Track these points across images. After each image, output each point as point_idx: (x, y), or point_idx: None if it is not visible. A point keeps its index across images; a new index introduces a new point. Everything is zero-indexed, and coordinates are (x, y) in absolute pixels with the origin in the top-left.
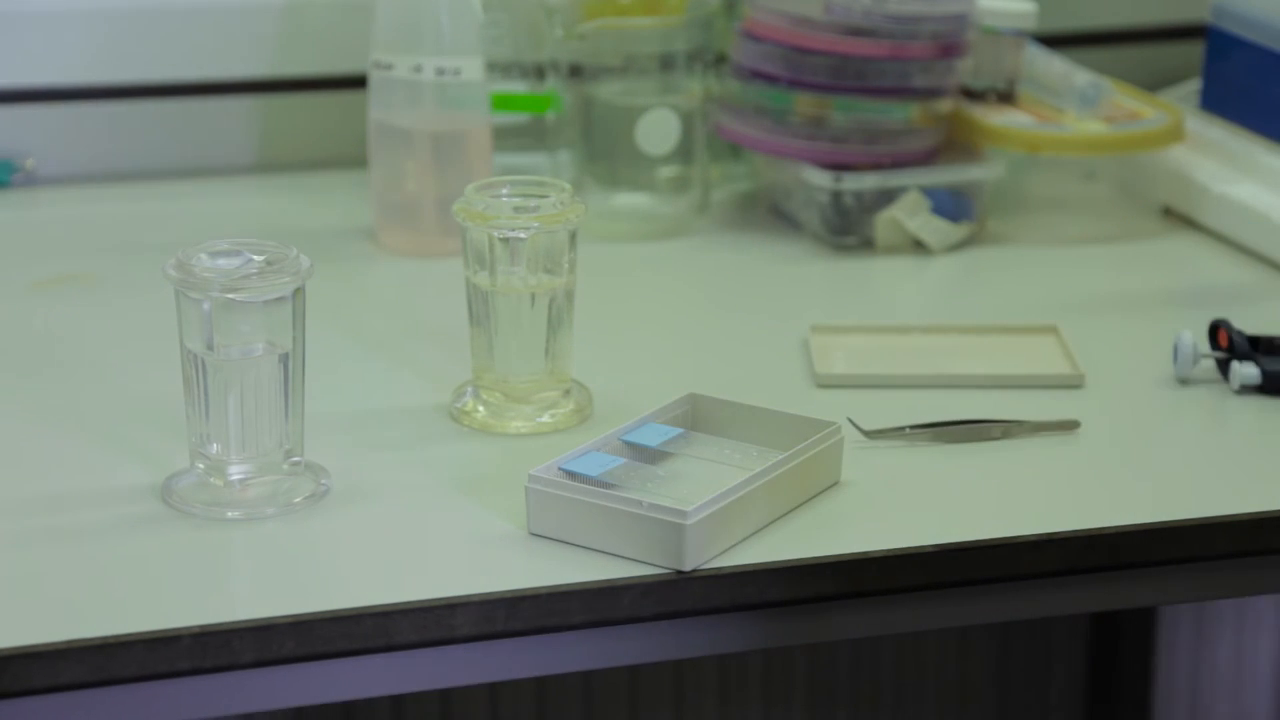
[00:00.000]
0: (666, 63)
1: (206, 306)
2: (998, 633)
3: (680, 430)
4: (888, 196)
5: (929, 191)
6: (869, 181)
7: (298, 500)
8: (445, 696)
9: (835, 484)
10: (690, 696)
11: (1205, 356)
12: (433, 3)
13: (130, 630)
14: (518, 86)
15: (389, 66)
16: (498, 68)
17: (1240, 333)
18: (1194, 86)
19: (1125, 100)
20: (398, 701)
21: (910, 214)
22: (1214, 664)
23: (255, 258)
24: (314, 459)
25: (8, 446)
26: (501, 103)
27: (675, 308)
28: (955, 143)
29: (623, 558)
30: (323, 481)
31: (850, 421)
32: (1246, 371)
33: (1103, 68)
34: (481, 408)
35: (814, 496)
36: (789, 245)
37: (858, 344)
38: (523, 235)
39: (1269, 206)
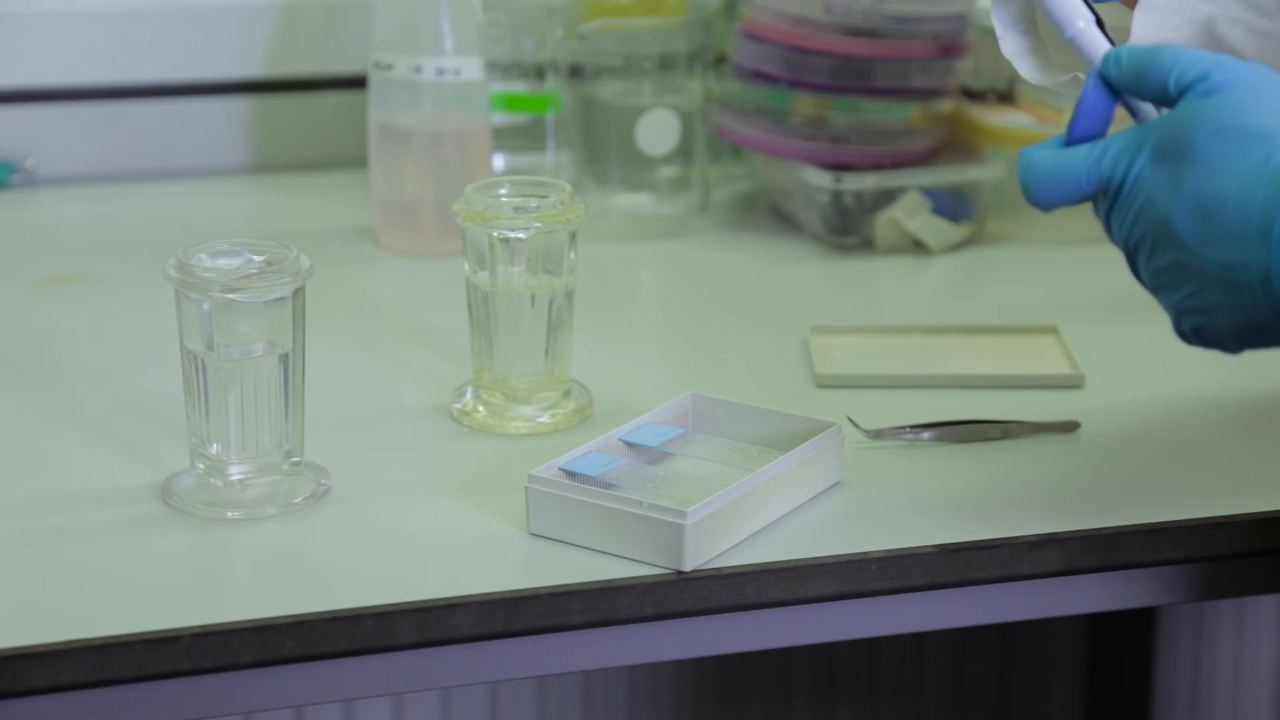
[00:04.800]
0: (666, 63)
1: (206, 306)
2: (998, 633)
3: (680, 430)
4: (888, 196)
5: (929, 191)
6: (869, 181)
7: (298, 500)
8: (445, 696)
9: (835, 484)
10: (690, 697)
11: None
12: (433, 3)
13: (130, 630)
14: (518, 86)
15: (389, 66)
16: (498, 68)
17: None
18: None
19: None
20: (398, 701)
21: (910, 214)
22: (1214, 664)
23: (255, 258)
24: (314, 459)
25: (8, 446)
26: (501, 103)
27: (675, 308)
28: (955, 143)
29: (623, 558)
30: (323, 481)
31: (850, 421)
32: None
33: None
34: (481, 408)
35: (814, 496)
36: (789, 245)
37: (858, 344)
38: (523, 235)
39: None
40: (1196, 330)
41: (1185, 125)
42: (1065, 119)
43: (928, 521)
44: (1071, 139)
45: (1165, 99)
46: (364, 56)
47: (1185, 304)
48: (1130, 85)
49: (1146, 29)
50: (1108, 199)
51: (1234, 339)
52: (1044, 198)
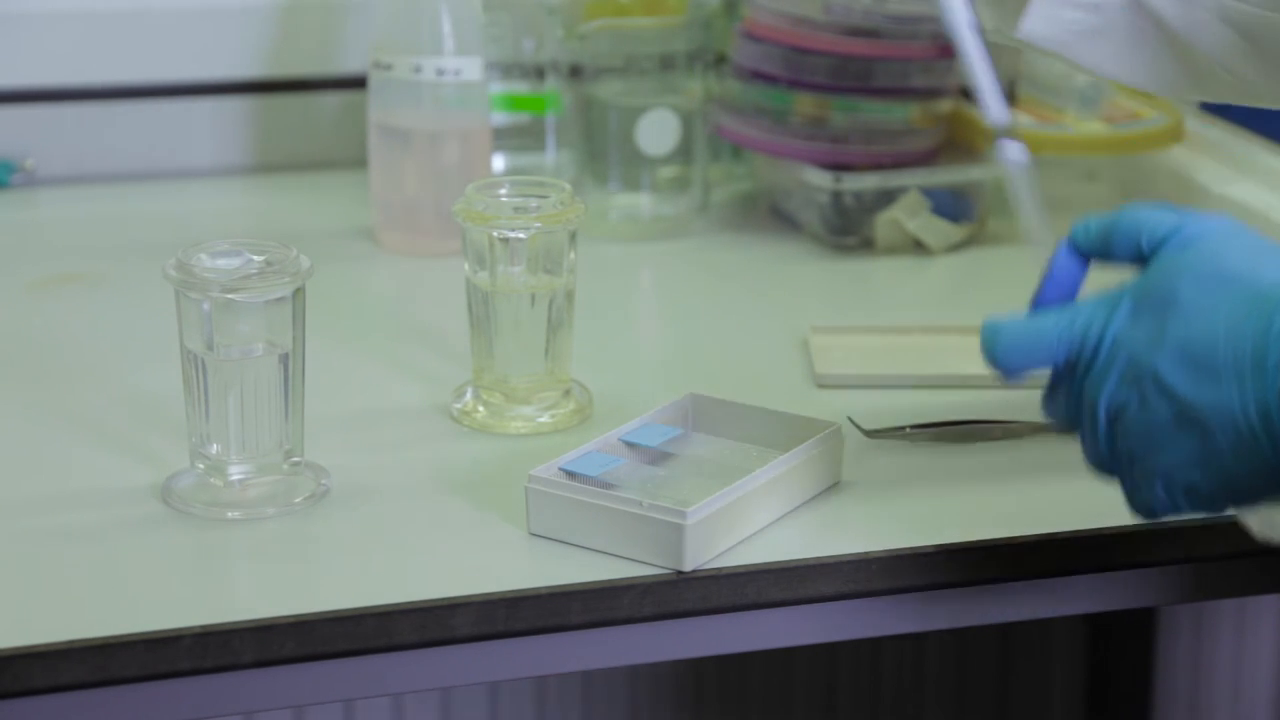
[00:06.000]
0: (666, 63)
1: (206, 306)
2: (998, 633)
3: (680, 430)
4: (888, 196)
5: (929, 191)
6: (869, 181)
7: (298, 500)
8: (445, 696)
9: (835, 484)
10: (690, 697)
11: None
12: (433, 3)
13: (130, 630)
14: (518, 86)
15: (389, 66)
16: (498, 68)
17: None
18: None
19: (1125, 100)
20: (398, 701)
21: (910, 214)
22: (1214, 664)
23: (255, 258)
24: (314, 459)
25: (8, 446)
26: (501, 103)
27: (675, 308)
28: (955, 143)
29: (623, 558)
30: (323, 481)
31: (850, 421)
32: None
33: None
34: (481, 408)
35: (814, 496)
36: (789, 245)
37: (858, 344)
38: (523, 235)
39: (1269, 206)
40: (1189, 490)
41: (1165, 276)
42: (1065, 119)
43: (928, 521)
44: (1038, 306)
45: (1138, 258)
46: (364, 56)
47: (1175, 462)
48: (1099, 250)
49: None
50: (1082, 364)
51: (1228, 494)
52: (1010, 362)
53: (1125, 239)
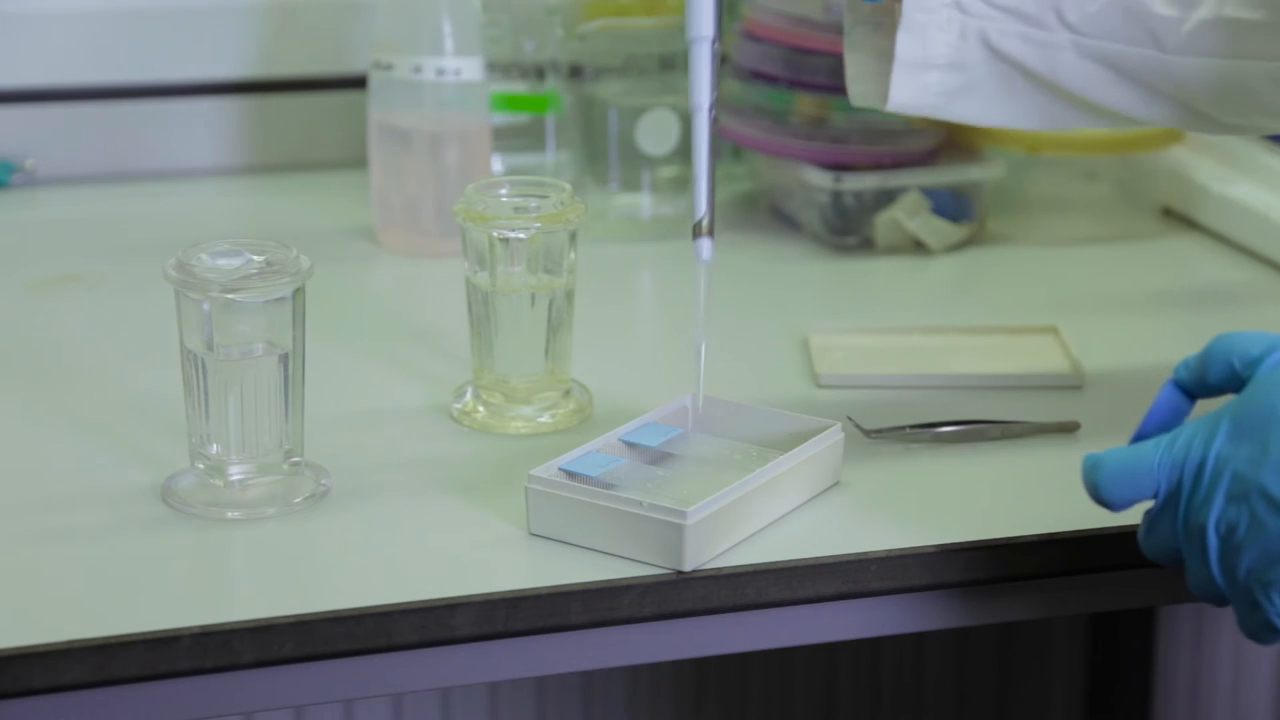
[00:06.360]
0: (666, 63)
1: (206, 307)
2: (998, 633)
3: (680, 430)
4: (888, 196)
5: (929, 191)
6: (869, 181)
7: (298, 500)
8: (445, 696)
9: (835, 484)
10: (690, 697)
11: None
12: (433, 3)
13: (130, 630)
14: (518, 86)
15: (389, 66)
16: (498, 68)
17: None
18: None
19: None
20: (398, 701)
21: (910, 214)
22: (1214, 664)
23: (255, 258)
24: (314, 459)
25: (8, 446)
26: (501, 103)
27: (675, 308)
28: (955, 143)
29: (623, 558)
30: (323, 481)
31: (850, 421)
32: None
33: None
34: (481, 408)
35: (814, 496)
36: (789, 245)
37: (858, 344)
38: (523, 235)
39: (1268, 206)
40: None
41: (1264, 393)
42: None
43: (928, 521)
44: (1139, 438)
45: (1234, 382)
46: (364, 56)
47: None
48: (1198, 381)
49: (911, 49)
50: (1185, 488)
51: None
52: (1114, 493)
53: (1219, 364)
